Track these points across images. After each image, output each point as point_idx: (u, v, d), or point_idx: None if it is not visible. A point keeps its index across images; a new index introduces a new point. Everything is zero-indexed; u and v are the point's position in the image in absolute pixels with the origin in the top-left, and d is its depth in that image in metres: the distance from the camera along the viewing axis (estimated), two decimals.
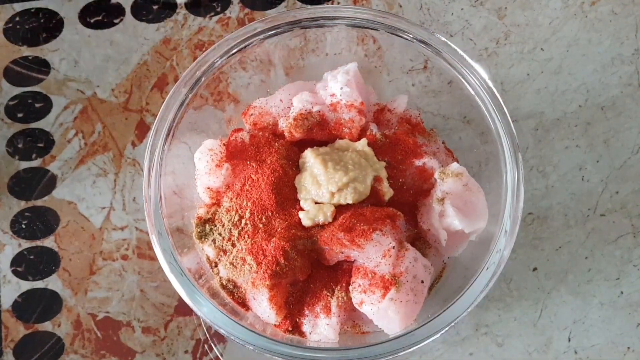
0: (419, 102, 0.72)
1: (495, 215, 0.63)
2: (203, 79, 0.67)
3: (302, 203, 0.64)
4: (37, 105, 0.80)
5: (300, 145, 0.66)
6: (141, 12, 0.83)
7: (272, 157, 0.64)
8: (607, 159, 0.78)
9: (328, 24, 0.69)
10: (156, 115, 0.65)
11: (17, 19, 0.82)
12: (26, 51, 0.81)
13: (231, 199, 0.64)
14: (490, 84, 0.66)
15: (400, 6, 0.82)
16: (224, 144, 0.67)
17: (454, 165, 0.65)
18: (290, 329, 0.63)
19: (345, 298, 0.62)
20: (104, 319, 0.73)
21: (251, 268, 0.61)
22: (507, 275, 0.74)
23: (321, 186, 0.63)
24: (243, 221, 0.63)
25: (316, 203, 0.64)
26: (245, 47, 0.68)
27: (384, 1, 0.83)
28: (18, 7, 0.83)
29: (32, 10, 0.83)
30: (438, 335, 0.59)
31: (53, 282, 0.74)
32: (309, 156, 0.64)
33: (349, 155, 0.64)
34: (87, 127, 0.79)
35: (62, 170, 0.77)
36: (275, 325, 0.63)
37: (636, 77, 0.81)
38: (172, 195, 0.65)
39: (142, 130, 0.79)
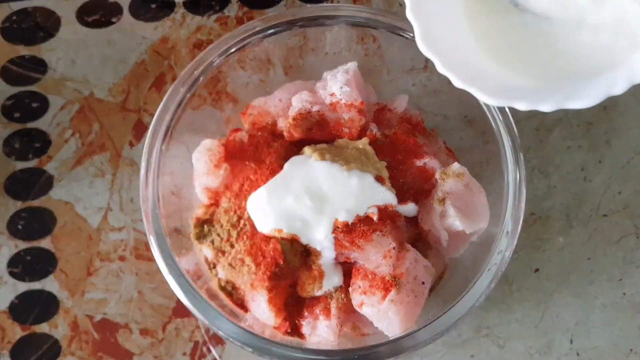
0: (420, 102, 0.72)
1: (497, 215, 0.63)
2: (201, 78, 0.67)
3: None
4: (33, 105, 0.79)
5: (300, 145, 0.66)
6: (139, 11, 0.83)
7: (271, 157, 0.64)
8: (609, 159, 0.77)
9: (327, 23, 0.69)
10: (154, 115, 0.65)
11: (14, 18, 0.82)
12: (23, 50, 0.81)
13: (230, 199, 0.64)
14: None
15: (401, 5, 0.82)
16: (222, 144, 0.67)
17: (455, 166, 0.64)
18: (289, 330, 0.63)
19: (344, 299, 0.62)
20: (102, 320, 0.73)
21: (250, 269, 0.61)
22: (509, 277, 0.74)
23: None
24: (242, 222, 0.63)
25: None
26: (244, 46, 0.68)
27: (384, 0, 0.82)
28: (15, 6, 0.82)
29: (29, 10, 0.82)
30: (439, 337, 0.59)
31: (50, 284, 0.74)
32: (307, 151, 0.64)
33: (348, 151, 0.63)
34: (84, 127, 0.78)
35: (59, 171, 0.77)
36: (274, 327, 0.63)
37: None
38: (170, 196, 0.65)
39: (140, 130, 0.78)
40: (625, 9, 0.53)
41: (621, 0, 0.53)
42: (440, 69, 0.52)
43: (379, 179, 0.62)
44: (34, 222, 0.76)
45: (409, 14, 0.53)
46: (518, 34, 0.53)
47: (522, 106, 0.50)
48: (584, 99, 0.49)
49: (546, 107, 0.49)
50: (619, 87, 0.49)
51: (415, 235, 0.65)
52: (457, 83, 0.51)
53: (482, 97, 0.50)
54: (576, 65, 0.54)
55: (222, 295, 0.63)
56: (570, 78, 0.53)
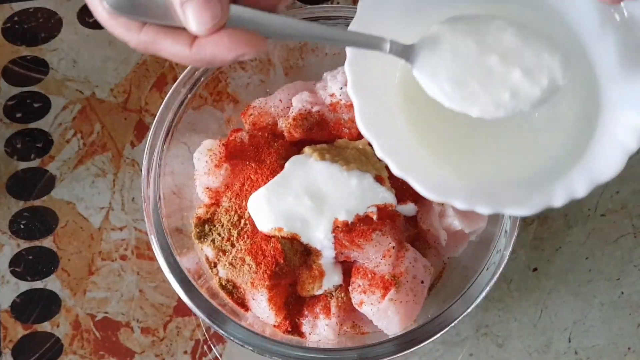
0: None
1: (495, 215, 0.63)
2: (202, 79, 0.67)
3: None
4: (35, 105, 0.79)
5: (300, 145, 0.66)
6: None
7: (272, 157, 0.64)
8: None
9: (327, 24, 0.69)
10: (155, 115, 0.65)
11: (16, 18, 0.82)
12: (25, 51, 0.81)
13: (230, 199, 0.64)
14: None
15: None
16: (223, 144, 0.67)
17: None
18: (289, 329, 0.63)
19: (344, 298, 0.62)
20: (103, 319, 0.73)
21: (250, 268, 0.61)
22: (507, 276, 0.74)
23: None
24: (242, 221, 0.63)
25: None
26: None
27: None
28: (16, 6, 0.82)
29: (31, 10, 0.82)
30: (438, 335, 0.59)
31: (52, 283, 0.74)
32: (307, 151, 0.64)
33: (348, 151, 0.64)
34: (85, 127, 0.79)
35: (61, 171, 0.77)
36: (274, 325, 0.63)
37: None
38: (171, 196, 0.65)
39: (141, 130, 0.79)
40: (563, 116, 0.52)
41: (559, 106, 0.52)
42: (379, 153, 0.49)
43: (378, 179, 0.62)
44: (36, 222, 0.76)
45: (350, 91, 0.50)
46: (450, 129, 0.51)
47: (458, 205, 0.48)
48: (522, 208, 0.48)
49: (483, 210, 0.48)
50: (558, 201, 0.48)
51: (414, 235, 0.65)
52: (395, 171, 0.49)
53: (419, 190, 0.48)
54: (515, 168, 0.52)
55: (222, 294, 0.64)
56: (508, 181, 0.51)
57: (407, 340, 0.60)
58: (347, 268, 0.63)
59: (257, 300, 0.62)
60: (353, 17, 0.67)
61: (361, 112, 0.50)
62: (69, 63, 0.81)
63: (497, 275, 0.61)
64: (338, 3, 0.84)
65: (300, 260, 0.62)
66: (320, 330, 0.62)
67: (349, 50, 0.50)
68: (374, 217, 0.61)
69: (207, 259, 0.65)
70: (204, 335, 0.73)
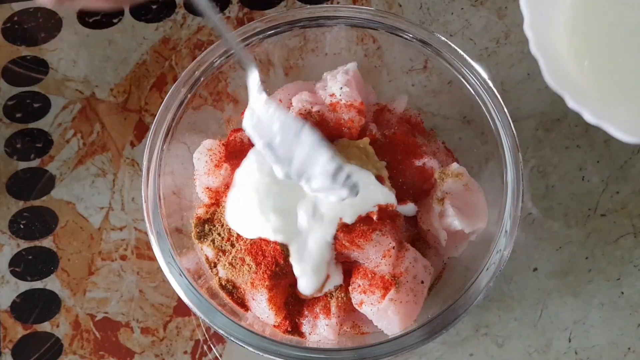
0: (419, 102, 0.72)
1: (496, 215, 0.63)
2: (202, 78, 0.67)
3: None
4: (35, 105, 0.79)
5: None
6: (140, 12, 0.83)
7: None
8: (607, 159, 0.77)
9: (327, 24, 0.69)
10: (155, 115, 0.65)
11: (16, 18, 0.82)
12: (25, 51, 0.81)
13: None
14: (491, 83, 0.66)
15: (400, 6, 0.82)
16: (223, 144, 0.67)
17: (454, 166, 0.65)
18: (289, 329, 0.63)
19: (344, 298, 0.62)
20: (103, 319, 0.73)
21: (250, 268, 0.61)
22: (507, 276, 0.74)
23: None
24: None
25: None
26: (244, 46, 0.68)
27: (383, 1, 0.83)
28: (17, 6, 0.82)
29: (31, 10, 0.82)
30: (438, 335, 0.59)
31: (51, 283, 0.74)
32: None
33: (349, 151, 0.63)
34: (85, 127, 0.79)
35: (61, 171, 0.77)
36: (274, 325, 0.63)
37: None
38: (171, 196, 0.65)
39: (141, 130, 0.79)
40: None
41: None
42: (572, 104, 0.49)
43: (378, 178, 0.62)
44: (36, 222, 0.76)
45: (534, 49, 0.51)
46: (630, 75, 0.52)
47: None
48: None
49: None
50: None
51: (414, 235, 0.65)
52: (591, 119, 0.49)
53: (618, 135, 0.48)
54: None
55: (222, 294, 0.64)
56: None
57: (407, 340, 0.60)
58: (347, 268, 0.63)
59: (257, 300, 0.62)
60: (353, 17, 0.68)
61: (548, 70, 0.51)
62: (68, 63, 0.81)
63: (497, 276, 0.61)
64: (338, 3, 0.84)
65: None
66: (320, 330, 0.62)
67: (526, 14, 0.52)
68: (374, 217, 0.61)
69: (207, 259, 0.65)
70: (204, 335, 0.73)
